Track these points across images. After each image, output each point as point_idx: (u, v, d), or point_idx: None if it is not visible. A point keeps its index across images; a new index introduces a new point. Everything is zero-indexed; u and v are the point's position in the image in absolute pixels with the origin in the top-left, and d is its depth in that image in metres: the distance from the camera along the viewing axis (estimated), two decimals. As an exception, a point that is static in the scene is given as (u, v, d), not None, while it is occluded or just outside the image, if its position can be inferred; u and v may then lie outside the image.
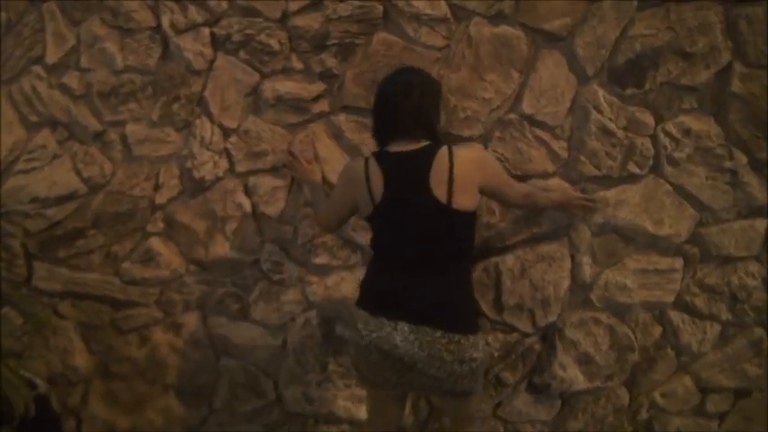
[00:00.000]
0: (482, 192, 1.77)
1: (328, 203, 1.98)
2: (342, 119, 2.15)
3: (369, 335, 1.71)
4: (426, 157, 1.71)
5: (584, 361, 2.15)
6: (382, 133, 1.78)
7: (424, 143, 1.74)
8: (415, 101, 1.72)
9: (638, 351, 2.14)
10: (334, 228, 2.01)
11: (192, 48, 2.18)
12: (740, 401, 2.17)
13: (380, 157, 1.76)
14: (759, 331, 2.13)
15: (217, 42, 2.17)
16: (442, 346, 1.67)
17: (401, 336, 1.68)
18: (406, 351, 1.68)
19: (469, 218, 1.75)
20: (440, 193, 1.68)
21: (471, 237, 1.81)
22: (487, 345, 2.15)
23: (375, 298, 1.76)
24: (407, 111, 1.72)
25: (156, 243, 2.26)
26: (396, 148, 1.75)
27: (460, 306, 1.75)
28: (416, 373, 1.70)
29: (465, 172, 1.70)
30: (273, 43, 2.14)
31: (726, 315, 2.13)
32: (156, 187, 2.25)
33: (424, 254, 1.72)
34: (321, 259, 2.19)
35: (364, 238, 2.10)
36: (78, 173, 2.26)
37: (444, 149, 1.71)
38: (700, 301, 2.13)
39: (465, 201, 1.71)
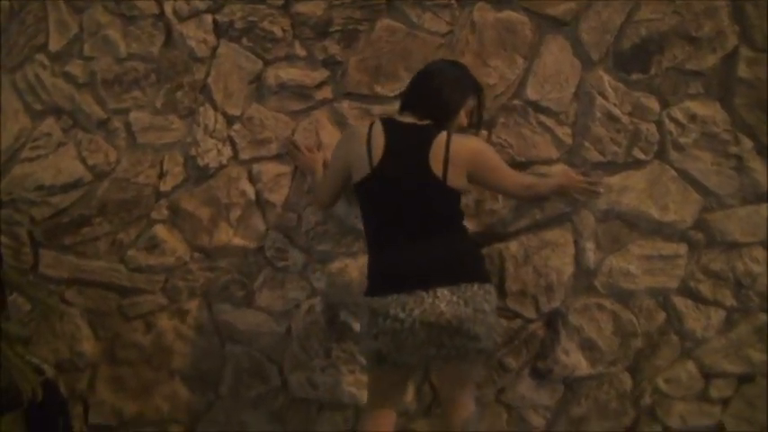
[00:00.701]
0: (472, 181, 1.82)
1: (324, 175, 2.00)
2: (345, 106, 2.15)
3: (410, 315, 1.70)
4: (427, 134, 1.77)
5: (588, 346, 2.15)
6: (402, 105, 1.87)
7: (427, 122, 1.79)
8: (435, 85, 1.81)
9: (641, 337, 2.15)
10: (329, 201, 2.00)
11: (195, 35, 2.17)
12: (743, 387, 2.17)
13: (386, 121, 1.82)
14: (763, 317, 2.12)
15: (219, 29, 2.17)
16: (481, 297, 1.73)
17: (444, 301, 1.70)
18: (453, 314, 1.69)
19: (457, 195, 1.82)
20: (437, 168, 1.74)
21: (462, 215, 1.86)
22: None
23: (400, 277, 1.75)
24: (426, 90, 1.82)
25: (160, 230, 2.27)
26: (403, 119, 1.82)
27: (479, 258, 1.86)
28: (460, 337, 1.70)
29: (458, 157, 1.76)
30: (276, 30, 2.14)
31: (730, 301, 2.13)
32: (161, 175, 2.25)
33: (420, 222, 1.76)
34: (325, 246, 2.20)
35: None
36: (83, 161, 2.26)
37: (444, 133, 1.77)
38: (704, 287, 2.12)
39: (457, 181, 1.77)
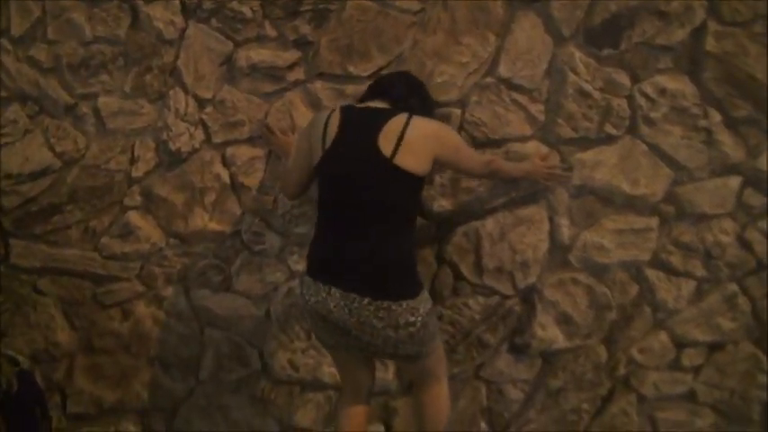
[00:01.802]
0: (439, 162, 1.81)
1: (289, 165, 1.97)
2: (318, 86, 2.13)
3: (309, 299, 1.76)
4: (384, 115, 1.76)
5: (564, 320, 2.19)
6: (362, 96, 1.92)
7: (387, 106, 1.81)
8: (394, 78, 1.91)
9: (615, 309, 2.19)
10: (294, 191, 1.97)
11: (163, 16, 2.13)
12: (714, 355, 2.23)
13: (345, 107, 1.84)
14: (733, 287, 2.18)
15: (187, 10, 2.13)
16: (371, 313, 1.69)
17: (334, 302, 1.71)
18: (339, 317, 1.72)
19: (412, 181, 1.75)
20: (385, 147, 1.71)
21: (411, 199, 1.79)
22: (464, 311, 2.18)
23: (315, 263, 1.80)
24: (386, 80, 1.89)
25: (134, 217, 2.24)
26: (363, 105, 1.85)
27: (392, 272, 1.73)
28: (356, 340, 1.74)
29: (418, 139, 1.73)
30: (246, 10, 2.10)
31: (700, 272, 2.17)
32: (132, 160, 2.22)
33: (361, 209, 1.73)
34: (301, 228, 2.19)
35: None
36: (51, 148, 2.22)
37: (404, 114, 1.76)
38: (675, 259, 2.16)
39: (411, 162, 1.71)
